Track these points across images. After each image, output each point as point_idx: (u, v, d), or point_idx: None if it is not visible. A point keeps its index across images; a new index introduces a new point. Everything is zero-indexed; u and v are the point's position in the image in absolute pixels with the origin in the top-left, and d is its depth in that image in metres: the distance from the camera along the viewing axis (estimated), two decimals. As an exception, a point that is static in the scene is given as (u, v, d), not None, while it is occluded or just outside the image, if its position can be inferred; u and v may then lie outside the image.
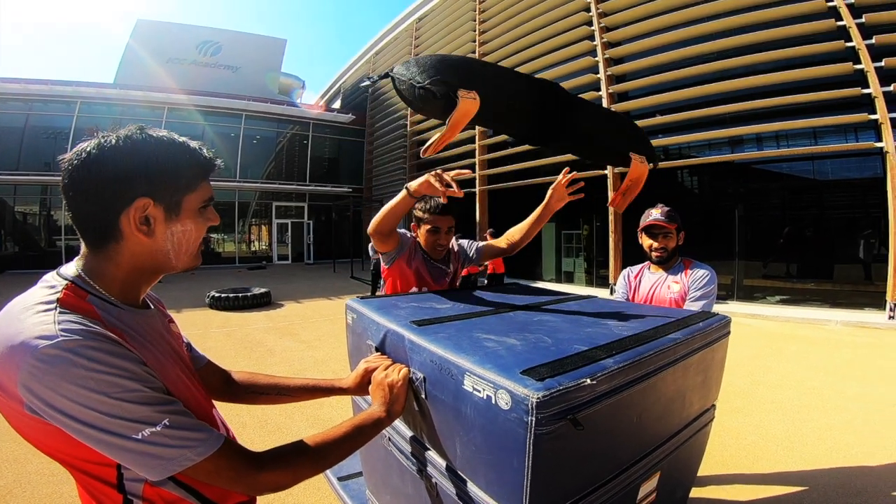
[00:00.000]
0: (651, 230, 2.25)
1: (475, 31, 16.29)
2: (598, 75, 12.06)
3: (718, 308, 7.31)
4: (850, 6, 8.44)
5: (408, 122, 19.78)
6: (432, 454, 1.27)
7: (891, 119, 7.78)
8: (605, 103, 11.72)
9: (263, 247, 22.20)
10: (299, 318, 8.43)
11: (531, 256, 14.36)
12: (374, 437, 1.08)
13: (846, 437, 3.26)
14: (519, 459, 0.93)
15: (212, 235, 21.30)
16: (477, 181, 15.60)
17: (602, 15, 12.22)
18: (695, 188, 11.88)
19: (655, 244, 2.25)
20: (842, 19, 8.51)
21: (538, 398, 0.87)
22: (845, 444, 3.13)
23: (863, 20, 8.30)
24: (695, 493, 2.59)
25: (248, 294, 9.49)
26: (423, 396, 1.22)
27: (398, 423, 1.44)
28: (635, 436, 1.22)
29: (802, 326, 7.76)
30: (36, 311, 0.71)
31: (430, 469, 1.28)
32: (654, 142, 11.24)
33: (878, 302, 8.25)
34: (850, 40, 8.35)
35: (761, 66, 9.48)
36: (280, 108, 22.06)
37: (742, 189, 10.61)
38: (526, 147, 14.14)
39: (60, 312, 0.71)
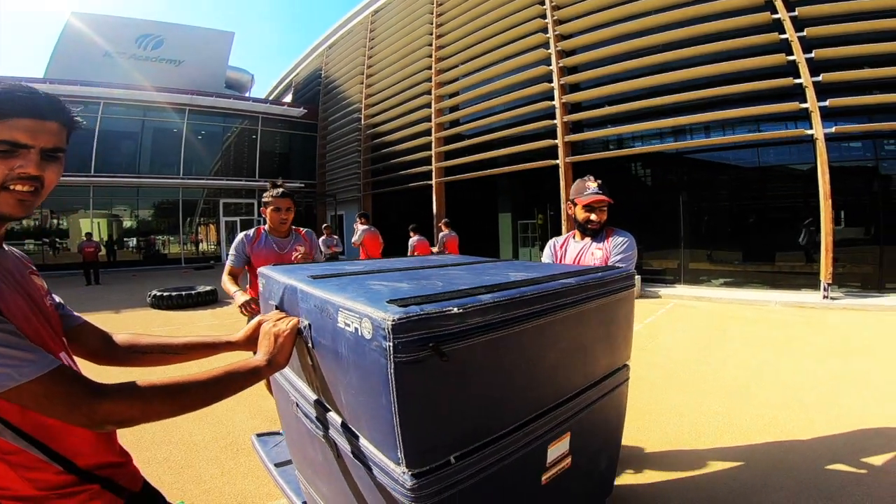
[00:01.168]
0: (592, 206, 2.23)
1: (432, 23, 16.13)
2: (551, 67, 12.18)
3: (666, 291, 7.51)
4: (785, 1, 8.82)
5: (362, 116, 19.42)
6: (332, 414, 1.22)
7: (820, 108, 8.16)
8: (556, 94, 11.93)
9: (212, 248, 21.29)
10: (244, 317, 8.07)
11: (490, 245, 14.42)
12: (248, 385, 0.99)
13: (782, 413, 3.33)
14: (386, 395, 0.88)
15: (156, 237, 20.25)
16: (433, 174, 15.48)
17: (556, 8, 12.37)
18: (641, 177, 12.22)
19: (594, 217, 2.29)
20: (777, 12, 8.88)
21: (394, 320, 0.84)
22: (781, 420, 3.20)
23: (796, 13, 8.70)
24: (634, 468, 2.58)
25: (193, 292, 9.01)
26: (311, 346, 1.19)
27: (304, 388, 1.39)
28: (530, 387, 1.17)
29: (744, 307, 8.08)
30: None
31: (331, 432, 1.22)
32: (604, 132, 11.52)
33: (814, 283, 8.69)
34: (784, 32, 8.72)
35: (702, 59, 9.80)
36: (227, 103, 21.21)
37: (686, 177, 11.00)
38: (480, 139, 14.16)
39: None
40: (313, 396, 1.33)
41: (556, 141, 11.77)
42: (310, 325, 1.16)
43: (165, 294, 8.68)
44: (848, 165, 8.83)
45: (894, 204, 8.37)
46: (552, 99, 12.10)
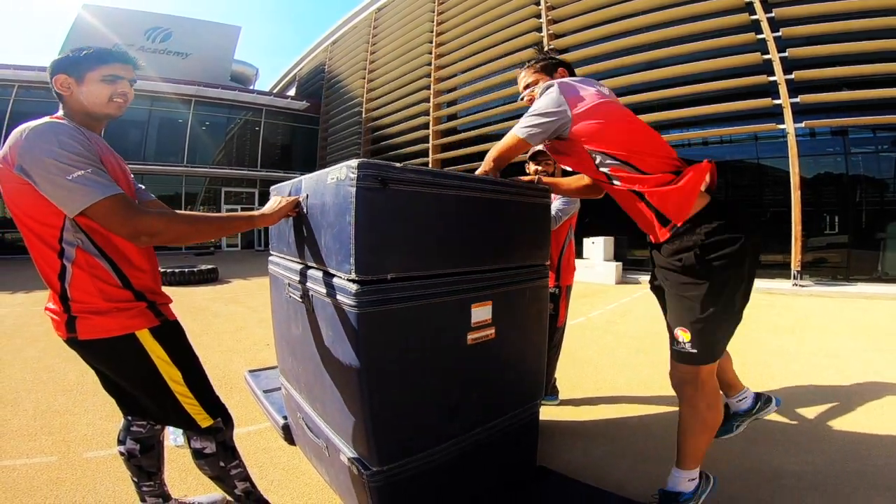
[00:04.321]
0: (536, 156, 2.62)
1: (433, 21, 16.60)
2: (544, 64, 12.61)
3: (646, 278, 7.87)
4: (763, 2, 9.29)
5: (363, 110, 19.87)
6: (313, 271, 1.59)
7: (792, 104, 8.62)
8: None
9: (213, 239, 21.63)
10: (245, 290, 8.51)
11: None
12: (245, 228, 1.49)
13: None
14: (349, 213, 1.30)
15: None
16: (430, 166, 15.89)
17: (550, 8, 12.86)
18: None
19: (540, 168, 2.63)
20: (755, 13, 9.34)
21: (359, 164, 1.29)
22: None
23: (773, 14, 9.16)
24: (574, 405, 2.99)
25: (195, 269, 9.43)
26: (305, 212, 1.60)
27: (294, 267, 1.76)
28: (453, 244, 1.52)
29: (717, 292, 8.48)
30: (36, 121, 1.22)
31: (309, 285, 1.60)
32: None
33: (787, 272, 9.10)
34: (761, 32, 9.18)
35: (685, 57, 10.28)
36: (232, 94, 21.64)
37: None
38: (476, 132, 14.60)
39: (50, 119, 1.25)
40: (299, 267, 1.72)
41: (547, 135, 12.19)
42: (307, 196, 1.58)
43: (168, 270, 9.07)
44: (819, 159, 9.29)
45: (862, 197, 8.81)
46: (545, 94, 12.53)
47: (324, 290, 1.48)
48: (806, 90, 8.59)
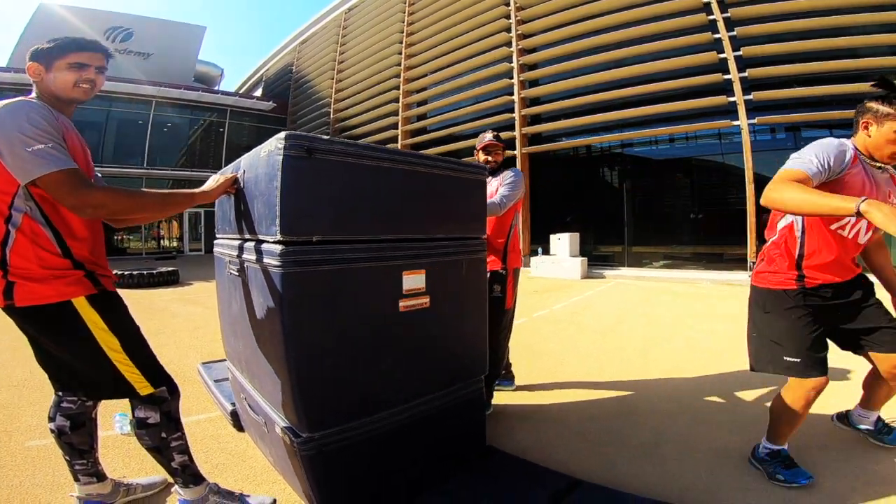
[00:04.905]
0: (487, 149, 2.75)
1: (403, 21, 16.61)
2: (512, 64, 12.83)
3: (610, 273, 8.18)
4: (720, 2, 9.64)
5: (331, 110, 19.71)
6: (248, 244, 1.58)
7: (745, 101, 8.97)
8: (516, 89, 12.60)
9: (174, 244, 20.82)
10: (207, 292, 8.28)
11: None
12: (186, 204, 1.54)
13: (680, 355, 3.87)
14: (276, 178, 1.34)
15: (118, 231, 19.91)
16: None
17: (519, 9, 13.07)
18: (591, 169, 12.99)
19: (490, 158, 2.79)
20: (712, 13, 9.69)
21: (286, 136, 1.33)
22: (679, 362, 3.66)
23: (728, 14, 9.51)
24: (528, 390, 3.06)
25: (154, 272, 9.15)
26: (242, 186, 1.63)
27: (234, 242, 1.75)
28: (380, 210, 1.55)
29: (678, 284, 8.77)
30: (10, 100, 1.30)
31: (244, 256, 1.60)
32: (557, 124, 12.21)
33: (744, 264, 9.44)
34: (718, 32, 9.52)
35: (646, 57, 10.58)
36: (195, 95, 21.07)
37: (629, 168, 11.81)
38: (444, 132, 14.67)
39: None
40: (237, 243, 1.70)
41: (514, 133, 12.38)
42: (244, 171, 1.61)
43: (126, 273, 8.79)
44: (775, 154, 9.66)
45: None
46: (512, 94, 12.72)
47: (254, 258, 1.48)
48: (760, 87, 8.95)
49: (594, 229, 11.70)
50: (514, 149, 12.38)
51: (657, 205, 11.57)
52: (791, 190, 1.44)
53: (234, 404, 2.34)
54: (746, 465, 1.98)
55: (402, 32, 16.60)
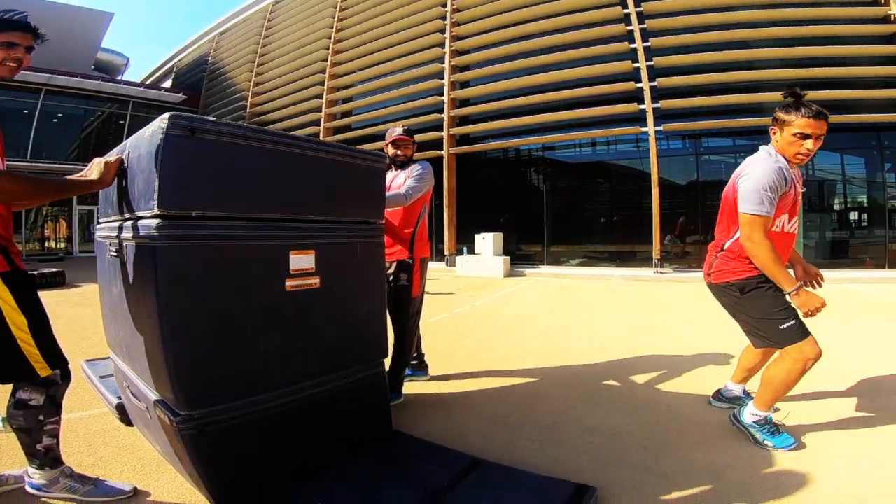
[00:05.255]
0: (396, 143, 2.82)
1: (334, 17, 16.20)
2: (444, 65, 12.99)
3: (531, 271, 8.49)
4: (639, 14, 10.37)
5: (248, 104, 18.74)
6: (127, 223, 1.50)
7: (654, 109, 9.73)
8: (446, 90, 12.79)
9: (62, 245, 18.72)
10: (97, 294, 7.55)
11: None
12: (84, 190, 1.57)
13: (586, 345, 4.06)
14: (156, 157, 1.31)
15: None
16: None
17: (455, 11, 13.25)
18: (515, 172, 13.54)
19: (399, 152, 2.84)
20: (631, 24, 10.42)
21: (170, 117, 1.32)
22: (584, 351, 3.83)
23: (645, 25, 10.29)
24: (441, 380, 3.09)
25: (35, 273, 8.20)
26: (126, 166, 1.56)
27: (114, 223, 1.64)
28: (264, 190, 1.52)
29: (591, 280, 9.32)
30: None
31: (123, 235, 1.52)
32: (484, 126, 12.50)
33: (650, 262, 10.19)
34: (634, 42, 10.25)
35: (568, 64, 11.17)
36: (93, 84, 19.11)
37: (549, 171, 12.46)
38: (370, 129, 14.52)
39: None
40: (118, 223, 1.61)
41: (443, 133, 12.52)
42: (129, 152, 1.53)
43: (2, 274, 7.77)
44: (678, 160, 10.61)
45: (714, 191, 10.15)
46: (442, 94, 12.87)
47: (132, 234, 1.42)
48: (668, 97, 9.75)
49: (517, 229, 12.12)
50: (442, 149, 12.50)
51: (575, 206, 12.23)
52: (766, 254, 1.84)
53: (119, 398, 2.18)
54: (640, 443, 2.08)
55: (332, 28, 16.19)
